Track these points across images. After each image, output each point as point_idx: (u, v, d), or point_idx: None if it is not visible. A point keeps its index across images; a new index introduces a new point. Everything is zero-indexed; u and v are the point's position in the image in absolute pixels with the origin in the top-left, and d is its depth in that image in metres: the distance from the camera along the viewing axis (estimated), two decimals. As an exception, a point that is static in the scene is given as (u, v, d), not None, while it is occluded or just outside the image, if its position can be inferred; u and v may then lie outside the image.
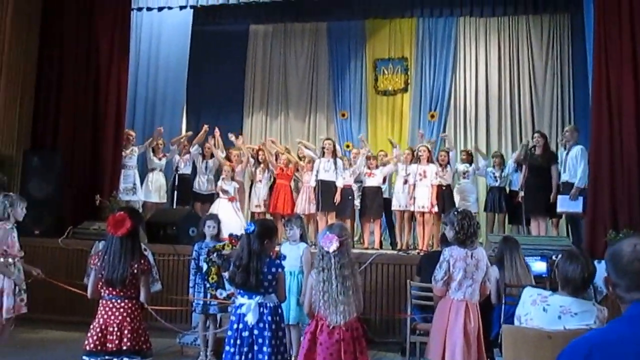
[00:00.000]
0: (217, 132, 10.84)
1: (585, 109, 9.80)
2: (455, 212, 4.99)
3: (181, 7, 11.76)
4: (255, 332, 4.36)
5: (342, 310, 4.17)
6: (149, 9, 11.84)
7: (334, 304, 4.17)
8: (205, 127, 10.90)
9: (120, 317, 4.31)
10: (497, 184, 10.21)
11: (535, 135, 9.47)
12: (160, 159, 10.64)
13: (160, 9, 11.87)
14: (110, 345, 4.27)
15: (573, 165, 8.66)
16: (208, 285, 6.42)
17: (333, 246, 4.21)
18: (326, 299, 4.19)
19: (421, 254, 8.47)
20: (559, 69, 12.34)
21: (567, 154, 8.81)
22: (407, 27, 13.12)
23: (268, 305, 4.44)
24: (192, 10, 11.86)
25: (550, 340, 3.43)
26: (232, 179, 10.18)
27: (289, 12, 12.71)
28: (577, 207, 8.55)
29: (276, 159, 10.59)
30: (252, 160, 10.65)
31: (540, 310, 3.55)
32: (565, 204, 8.70)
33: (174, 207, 10.14)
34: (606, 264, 1.98)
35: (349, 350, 4.16)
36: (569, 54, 12.23)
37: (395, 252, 9.35)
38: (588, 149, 8.59)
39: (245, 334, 4.37)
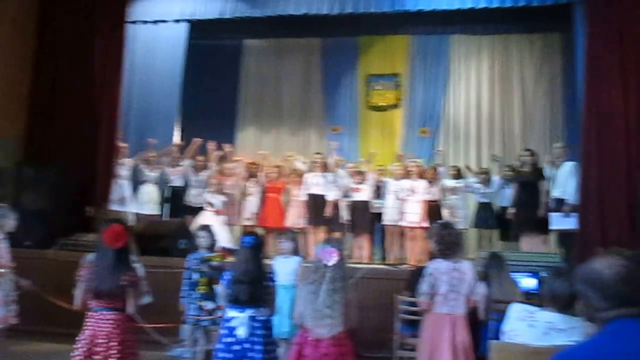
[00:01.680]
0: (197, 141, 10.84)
1: (576, 127, 9.85)
2: (436, 224, 5.04)
3: (176, 21, 11.80)
4: (247, 345, 4.36)
5: (328, 324, 4.14)
6: (144, 22, 11.86)
7: (319, 317, 4.15)
8: (196, 140, 10.90)
9: (108, 329, 4.29)
10: (484, 200, 10.22)
11: (525, 152, 9.51)
12: (151, 171, 10.63)
13: (155, 22, 11.90)
14: (97, 357, 4.24)
15: (564, 181, 8.70)
16: (196, 295, 6.43)
17: (333, 260, 4.21)
18: (312, 311, 4.17)
19: (411, 269, 8.46)
20: (549, 87, 12.44)
21: (558, 170, 8.86)
22: (399, 44, 13.19)
23: (260, 318, 4.43)
24: (187, 24, 11.86)
25: (537, 356, 3.41)
26: (220, 192, 10.12)
27: (282, 27, 12.70)
28: (570, 224, 8.57)
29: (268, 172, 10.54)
30: (244, 174, 10.58)
31: (527, 327, 3.54)
32: (558, 222, 8.73)
33: (166, 219, 10.09)
34: (585, 289, 1.99)
35: None
36: (560, 72, 12.31)
37: (384, 266, 9.35)
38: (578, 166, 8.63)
39: (237, 347, 4.37)
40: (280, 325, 5.81)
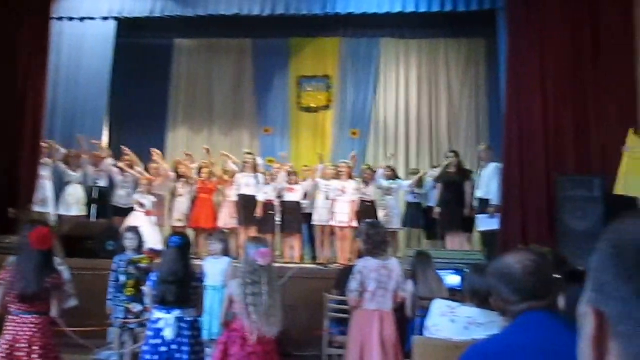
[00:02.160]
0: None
1: (500, 129, 10.12)
2: (364, 223, 5.13)
3: (104, 18, 11.57)
4: (174, 347, 4.34)
5: (273, 322, 4.17)
6: (70, 18, 11.60)
7: (265, 317, 4.17)
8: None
9: (30, 333, 4.18)
10: (415, 201, 10.39)
11: (450, 154, 9.78)
12: (75, 171, 10.39)
13: (82, 19, 11.65)
14: None
15: (488, 182, 8.95)
16: (124, 298, 6.35)
17: (269, 259, 4.24)
18: (257, 312, 4.18)
19: (339, 267, 8.55)
20: (475, 91, 12.74)
21: (482, 171, 9.11)
22: (330, 46, 13.26)
23: (187, 319, 4.41)
24: (116, 22, 11.64)
25: (458, 350, 3.50)
26: (150, 192, 10.02)
27: (213, 28, 12.64)
28: (495, 224, 8.80)
29: (199, 173, 10.49)
30: (172, 175, 10.49)
31: (449, 322, 3.63)
32: (484, 223, 8.97)
33: (93, 220, 9.92)
34: (496, 283, 2.08)
35: None
36: (484, 76, 12.61)
37: (315, 266, 9.41)
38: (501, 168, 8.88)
39: (164, 349, 4.34)
40: (211, 326, 5.81)
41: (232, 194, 10.01)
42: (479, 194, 9.10)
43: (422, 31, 12.74)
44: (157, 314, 4.45)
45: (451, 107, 12.80)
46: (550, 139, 8.55)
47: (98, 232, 8.86)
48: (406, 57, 13.09)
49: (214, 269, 6.19)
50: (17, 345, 4.16)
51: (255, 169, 9.88)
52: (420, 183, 10.46)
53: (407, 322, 5.92)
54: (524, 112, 8.70)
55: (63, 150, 10.47)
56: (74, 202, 10.24)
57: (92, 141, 10.71)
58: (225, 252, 6.53)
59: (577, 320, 0.87)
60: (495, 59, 10.94)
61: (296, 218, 10.07)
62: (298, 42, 13.34)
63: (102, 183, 10.47)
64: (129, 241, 6.61)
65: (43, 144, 10.28)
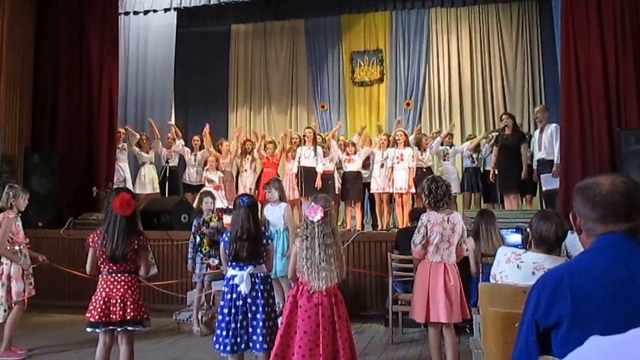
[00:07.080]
0: (207, 128, 10.75)
1: (555, 90, 9.80)
2: (425, 179, 5.07)
3: (165, 10, 11.73)
4: (249, 300, 4.43)
5: (325, 277, 4.15)
6: (135, 12, 11.82)
7: (316, 270, 4.15)
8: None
9: (122, 290, 4.39)
10: (473, 165, 10.18)
11: (504, 116, 9.47)
12: (147, 153, 10.74)
13: (145, 12, 11.84)
14: (114, 317, 4.36)
15: (549, 143, 8.65)
16: (202, 255, 6.65)
17: (317, 216, 4.20)
18: (309, 266, 4.17)
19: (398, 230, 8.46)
20: (528, 54, 12.34)
21: (541, 132, 8.81)
22: (380, 20, 13.15)
23: (259, 275, 4.49)
24: (175, 12, 11.76)
25: (525, 295, 3.40)
26: (217, 168, 10.27)
27: (267, 11, 12.72)
28: (557, 184, 8.52)
29: (265, 148, 10.57)
30: (238, 151, 10.60)
31: (515, 268, 3.51)
32: (548, 182, 8.69)
33: (166, 197, 10.12)
34: (579, 197, 1.93)
35: (327, 314, 4.14)
36: (538, 38, 12.24)
37: (376, 232, 9.35)
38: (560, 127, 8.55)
39: (239, 302, 4.43)
40: (275, 268, 5.95)
41: (292, 167, 10.02)
42: (541, 155, 8.82)
43: (471, -2, 12.39)
44: (231, 271, 4.51)
45: (505, 71, 12.46)
46: (612, 93, 8.12)
47: (172, 206, 9.02)
48: (457, 25, 12.82)
49: (273, 215, 6.50)
50: (112, 301, 4.36)
51: (314, 142, 9.82)
52: (477, 148, 10.23)
53: (470, 279, 5.84)
54: (583, 68, 8.27)
55: (137, 135, 10.74)
56: (148, 182, 10.62)
57: (168, 122, 11.05)
58: (281, 199, 6.64)
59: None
60: (549, 19, 10.58)
61: (356, 187, 9.98)
62: (349, 19, 13.27)
63: (172, 162, 10.70)
64: (207, 204, 6.95)
65: (120, 130, 10.63)
